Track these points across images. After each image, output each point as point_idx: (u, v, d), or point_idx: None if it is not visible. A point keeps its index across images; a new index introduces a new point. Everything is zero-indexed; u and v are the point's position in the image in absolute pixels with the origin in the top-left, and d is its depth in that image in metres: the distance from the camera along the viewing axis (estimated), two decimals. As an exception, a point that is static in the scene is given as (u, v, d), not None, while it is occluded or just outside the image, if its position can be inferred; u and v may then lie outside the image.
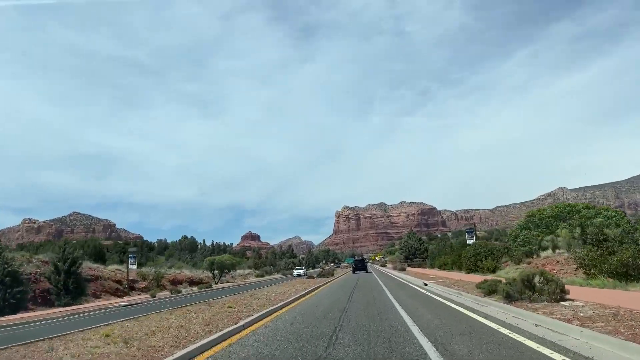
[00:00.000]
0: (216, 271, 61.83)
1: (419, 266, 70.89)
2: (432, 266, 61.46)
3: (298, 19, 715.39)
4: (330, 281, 38.51)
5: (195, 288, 49.09)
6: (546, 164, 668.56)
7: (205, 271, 63.42)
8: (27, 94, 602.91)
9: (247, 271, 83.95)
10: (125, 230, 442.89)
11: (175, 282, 57.41)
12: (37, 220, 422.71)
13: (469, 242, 37.62)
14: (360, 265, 63.46)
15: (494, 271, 30.67)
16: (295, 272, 70.04)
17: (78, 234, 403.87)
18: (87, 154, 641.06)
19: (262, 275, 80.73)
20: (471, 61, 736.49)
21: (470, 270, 33.60)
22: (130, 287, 46.37)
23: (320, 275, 49.20)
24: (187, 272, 62.47)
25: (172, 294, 38.48)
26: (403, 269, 57.71)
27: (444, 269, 47.76)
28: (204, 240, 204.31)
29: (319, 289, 27.47)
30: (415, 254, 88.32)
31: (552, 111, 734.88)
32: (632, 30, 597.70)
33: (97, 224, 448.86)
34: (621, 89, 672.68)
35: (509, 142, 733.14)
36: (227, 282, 67.00)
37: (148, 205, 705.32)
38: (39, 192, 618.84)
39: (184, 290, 44.25)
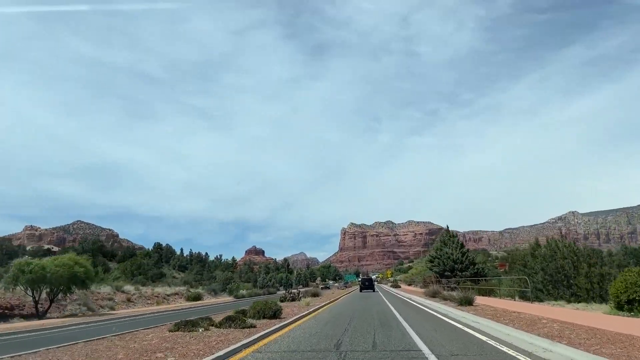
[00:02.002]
0: (45, 290, 26.54)
1: (483, 293, 33.95)
2: (538, 299, 24.72)
3: (309, 37, 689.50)
4: None
5: None
6: (557, 188, 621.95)
7: (13, 288, 27.42)
8: (35, 102, 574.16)
9: (176, 288, 47.30)
10: (128, 241, 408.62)
11: None
12: (39, 228, 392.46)
13: None
14: (367, 284, 63.57)
15: None
16: None
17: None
18: (94, 164, 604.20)
19: (199, 298, 44.39)
20: (481, 83, 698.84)
21: None
22: None
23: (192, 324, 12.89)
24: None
25: None
26: (469, 302, 21.87)
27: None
28: (181, 249, 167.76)
29: None
30: (453, 269, 51.57)
31: (563, 134, 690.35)
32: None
33: (100, 233, 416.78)
34: (634, 114, 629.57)
35: (519, 164, 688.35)
36: (88, 311, 31.07)
37: (153, 217, 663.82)
38: (45, 201, 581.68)
39: None
